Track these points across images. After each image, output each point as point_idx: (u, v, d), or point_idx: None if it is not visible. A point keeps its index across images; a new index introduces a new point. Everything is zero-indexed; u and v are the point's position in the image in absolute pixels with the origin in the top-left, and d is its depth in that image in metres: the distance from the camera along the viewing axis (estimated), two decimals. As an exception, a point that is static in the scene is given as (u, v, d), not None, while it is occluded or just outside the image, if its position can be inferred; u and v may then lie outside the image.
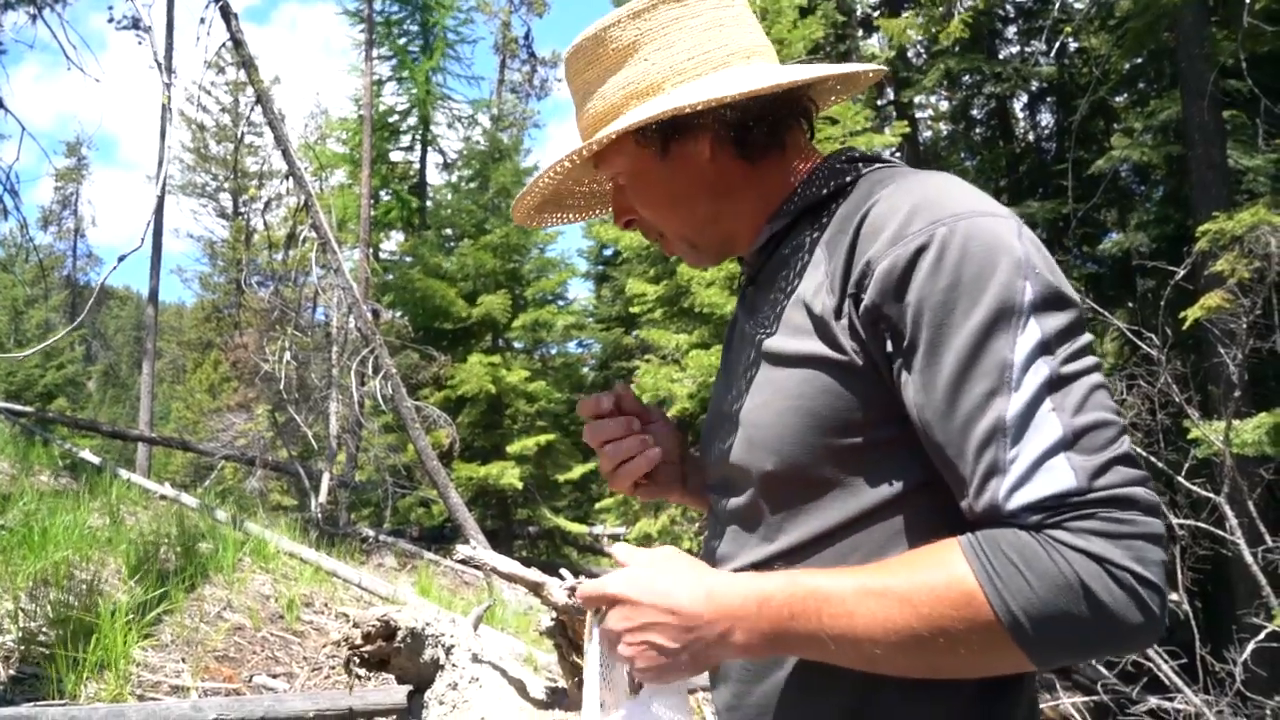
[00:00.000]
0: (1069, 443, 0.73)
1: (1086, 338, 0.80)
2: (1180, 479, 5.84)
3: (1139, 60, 11.33)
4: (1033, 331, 0.77)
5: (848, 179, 0.95)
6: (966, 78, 14.23)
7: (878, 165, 0.97)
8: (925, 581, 0.76)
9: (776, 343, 0.93)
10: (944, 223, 0.81)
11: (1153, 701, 4.99)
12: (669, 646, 0.83)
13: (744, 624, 0.81)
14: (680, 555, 0.87)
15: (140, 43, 7.46)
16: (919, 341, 0.80)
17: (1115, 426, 0.75)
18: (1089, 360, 0.78)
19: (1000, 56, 14.45)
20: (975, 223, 0.81)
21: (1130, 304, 12.20)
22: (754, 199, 1.02)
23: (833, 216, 0.93)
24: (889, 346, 0.83)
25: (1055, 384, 0.75)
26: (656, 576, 0.85)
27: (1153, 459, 6.04)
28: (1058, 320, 0.78)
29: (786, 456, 0.90)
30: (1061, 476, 0.73)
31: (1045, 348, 0.76)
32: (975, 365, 0.77)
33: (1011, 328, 0.77)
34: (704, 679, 1.12)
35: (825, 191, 0.96)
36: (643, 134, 0.98)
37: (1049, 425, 0.74)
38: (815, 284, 0.90)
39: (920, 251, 0.80)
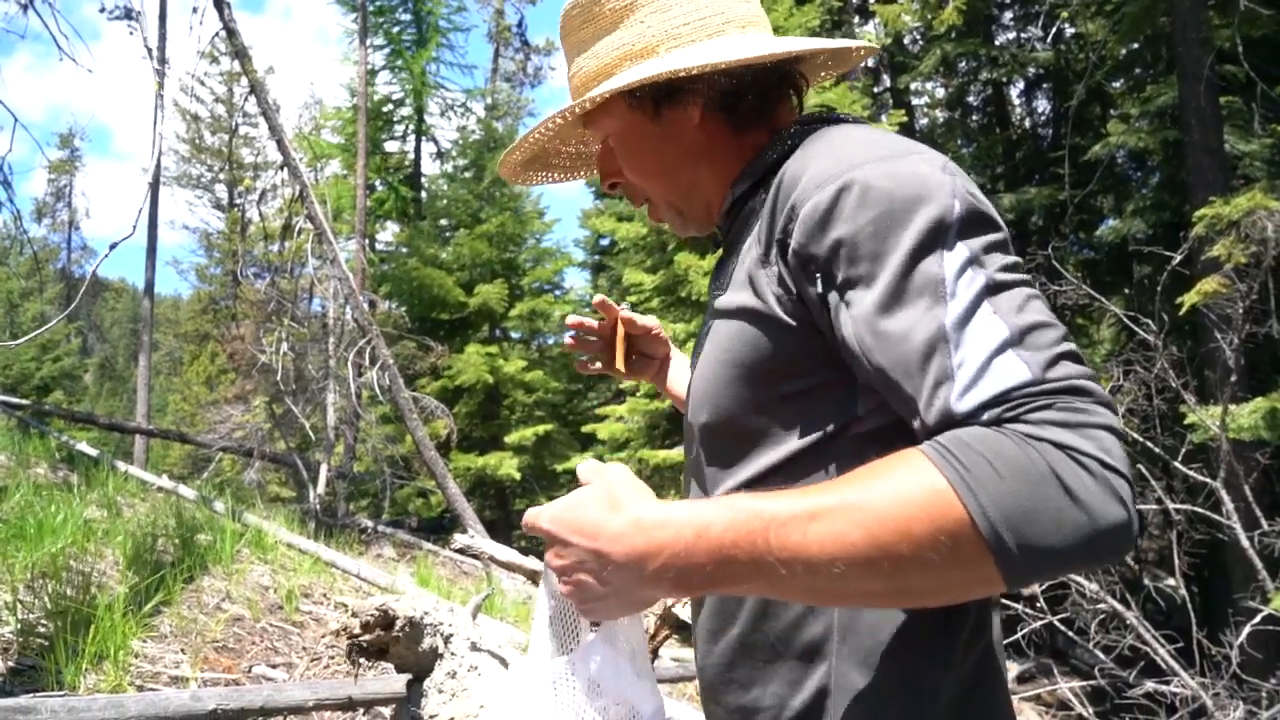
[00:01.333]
0: (1016, 340, 0.72)
1: (1016, 258, 0.80)
2: (1177, 464, 5.86)
3: (1135, 45, 11.29)
4: (961, 249, 0.76)
5: (803, 138, 0.95)
6: (963, 63, 14.18)
7: (831, 124, 0.96)
8: (886, 485, 0.69)
9: (721, 301, 0.95)
10: (866, 164, 0.82)
11: (1150, 685, 5.02)
12: (594, 587, 0.77)
13: (679, 559, 0.73)
14: (625, 481, 0.81)
15: (132, 32, 7.41)
16: (852, 274, 0.79)
17: (1058, 329, 0.74)
18: (1021, 275, 0.78)
19: (997, 42, 14.39)
20: (895, 162, 0.82)
21: (1127, 290, 12.21)
22: (731, 164, 1.02)
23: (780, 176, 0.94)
24: (820, 286, 0.82)
25: (993, 289, 0.75)
26: (585, 508, 0.79)
27: (1149, 444, 6.06)
28: (986, 238, 0.78)
29: (719, 408, 0.93)
30: (1014, 370, 0.70)
31: (975, 261, 0.76)
32: (908, 285, 0.76)
33: (940, 247, 0.76)
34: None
35: (781, 152, 0.96)
36: (635, 96, 0.99)
37: (992, 326, 0.72)
38: (750, 239, 0.92)
39: (843, 191, 0.80)
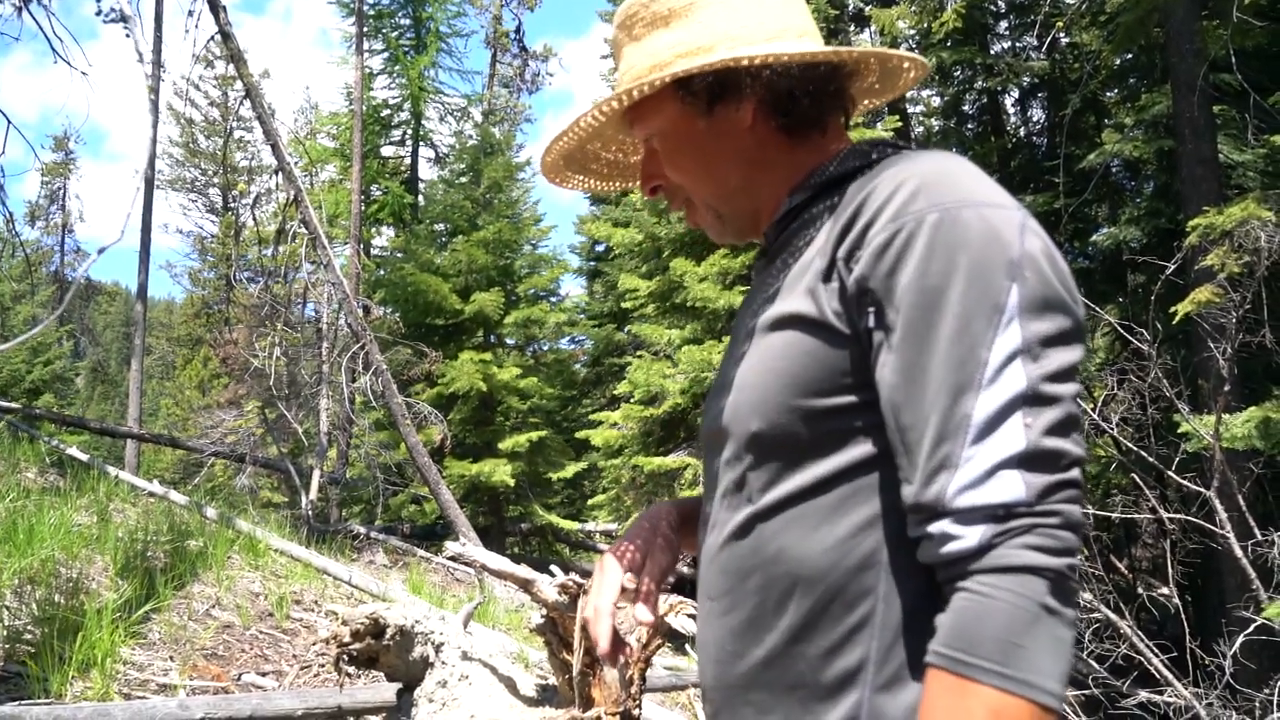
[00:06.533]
0: (1028, 459, 0.75)
1: (1076, 352, 0.79)
2: (1170, 473, 5.86)
3: (1129, 55, 11.35)
4: (1013, 334, 0.76)
5: (873, 158, 0.95)
6: (958, 72, 14.23)
7: (903, 150, 0.96)
8: None
9: (773, 308, 0.94)
10: (945, 206, 0.81)
11: (1143, 695, 5.01)
12: None
13: None
14: None
15: (128, 35, 7.40)
16: (901, 324, 0.80)
17: (1071, 456, 0.76)
18: (1070, 386, 0.78)
19: (992, 51, 14.45)
20: (974, 213, 0.80)
21: (1121, 299, 12.22)
22: (786, 175, 1.01)
23: (844, 193, 0.93)
24: (871, 321, 0.84)
25: (1032, 399, 0.76)
26: None
27: (1143, 453, 6.06)
28: (1045, 326, 0.77)
29: (768, 417, 0.91)
30: (1013, 488, 0.74)
31: (1026, 353, 0.76)
32: (950, 358, 0.77)
33: (993, 326, 0.76)
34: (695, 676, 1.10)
35: (846, 170, 0.95)
36: (689, 91, 0.98)
37: (1013, 436, 0.75)
38: (815, 250, 0.91)
39: (914, 233, 0.80)
